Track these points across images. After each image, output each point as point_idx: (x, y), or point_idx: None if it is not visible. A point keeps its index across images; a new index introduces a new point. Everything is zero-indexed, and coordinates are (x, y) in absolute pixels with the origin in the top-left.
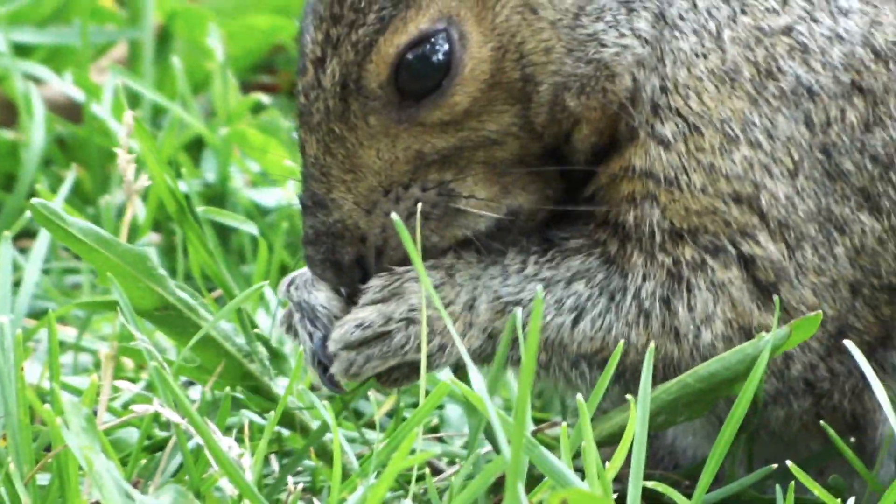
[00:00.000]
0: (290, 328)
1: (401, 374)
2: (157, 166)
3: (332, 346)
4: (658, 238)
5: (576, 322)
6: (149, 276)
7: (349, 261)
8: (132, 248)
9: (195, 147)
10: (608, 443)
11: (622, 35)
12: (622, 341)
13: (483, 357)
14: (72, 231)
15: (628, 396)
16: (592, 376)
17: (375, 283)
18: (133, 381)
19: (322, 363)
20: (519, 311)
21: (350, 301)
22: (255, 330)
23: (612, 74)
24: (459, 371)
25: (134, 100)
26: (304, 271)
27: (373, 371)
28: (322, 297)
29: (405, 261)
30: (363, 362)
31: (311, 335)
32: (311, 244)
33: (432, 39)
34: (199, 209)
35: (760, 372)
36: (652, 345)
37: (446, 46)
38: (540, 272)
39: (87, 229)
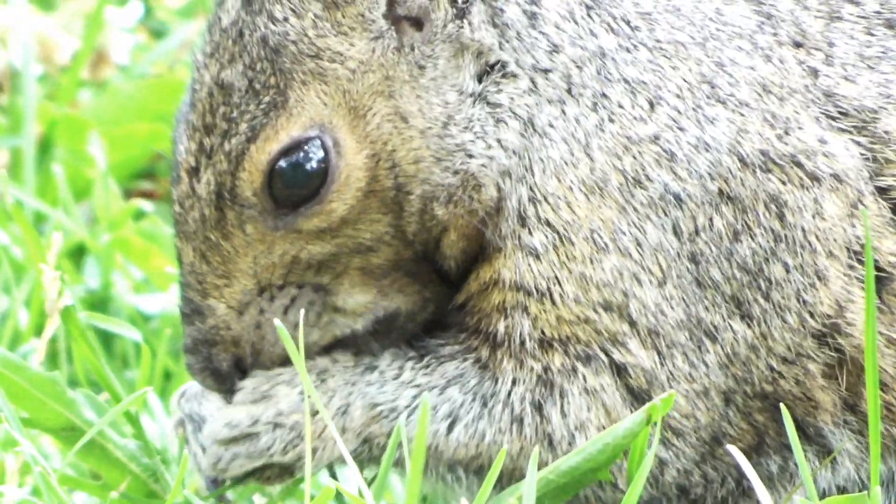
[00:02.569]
0: (185, 438)
1: (272, 474)
2: (38, 272)
3: (202, 440)
4: (528, 346)
5: (450, 429)
6: (58, 400)
7: (227, 367)
8: (41, 372)
9: (77, 254)
10: None
11: (489, 146)
12: (502, 448)
13: (358, 461)
14: None
15: (510, 499)
16: (469, 481)
17: (248, 383)
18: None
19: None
20: (403, 418)
21: None
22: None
23: (478, 185)
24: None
25: (15, 207)
26: (194, 382)
27: (240, 469)
28: (212, 407)
29: (282, 358)
30: (230, 459)
31: (201, 445)
32: (190, 353)
33: (305, 146)
34: (82, 315)
35: (641, 480)
36: (536, 449)
37: (321, 154)
38: (415, 379)
39: None
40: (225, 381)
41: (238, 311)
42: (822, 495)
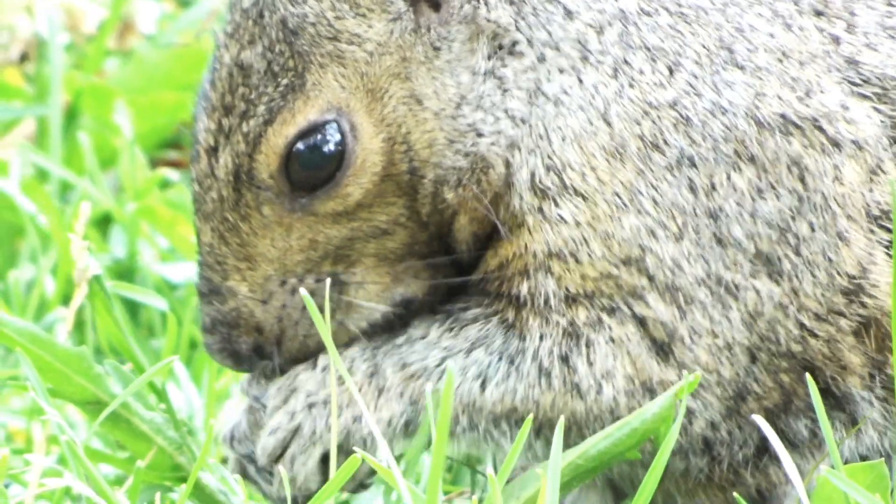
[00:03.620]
0: (247, 476)
1: (338, 462)
2: (64, 242)
3: (260, 462)
4: (553, 303)
5: (483, 387)
6: (84, 375)
7: (246, 349)
8: (69, 347)
9: (104, 223)
10: None
11: (497, 119)
12: (535, 401)
13: (406, 424)
14: (7, 331)
15: (538, 470)
16: (513, 433)
17: (272, 390)
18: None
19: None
20: (434, 379)
21: None
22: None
23: (486, 166)
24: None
25: (42, 176)
26: (237, 421)
27: (305, 467)
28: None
29: (303, 350)
30: (290, 464)
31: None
32: (208, 332)
33: (322, 130)
34: (108, 284)
35: (668, 448)
36: (561, 419)
37: (337, 137)
38: (441, 340)
39: (22, 329)
40: (243, 362)
41: (261, 300)
42: (845, 463)
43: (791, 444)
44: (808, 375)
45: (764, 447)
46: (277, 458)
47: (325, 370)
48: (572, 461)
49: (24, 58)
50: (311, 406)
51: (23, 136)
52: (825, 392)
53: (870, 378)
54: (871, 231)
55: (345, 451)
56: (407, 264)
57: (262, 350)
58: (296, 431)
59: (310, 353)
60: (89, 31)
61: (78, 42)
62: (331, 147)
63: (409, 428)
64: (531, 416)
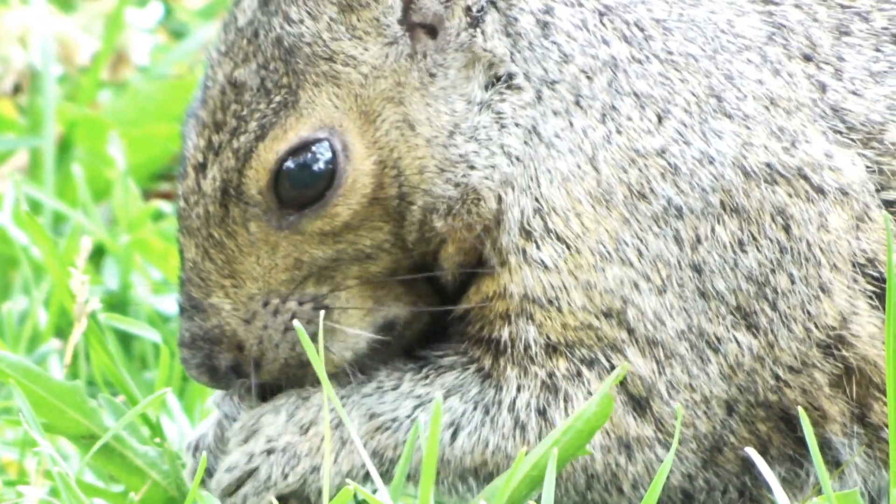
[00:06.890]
0: (202, 486)
1: None
2: (58, 273)
3: (214, 494)
4: (533, 351)
5: (454, 437)
6: (78, 410)
7: (225, 366)
8: (62, 381)
9: (97, 254)
10: None
11: (492, 154)
12: (506, 454)
13: (366, 476)
14: (0, 366)
15: None
16: (480, 488)
17: (236, 426)
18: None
19: None
20: (422, 418)
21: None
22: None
23: (477, 198)
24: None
25: (35, 207)
26: (204, 432)
27: None
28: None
29: (284, 372)
30: (243, 501)
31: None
32: (187, 347)
33: (313, 147)
34: (101, 316)
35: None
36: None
37: (328, 155)
38: (415, 389)
39: (15, 363)
40: (220, 379)
41: (244, 319)
42: None
43: (768, 489)
44: (801, 412)
45: (743, 489)
46: (231, 493)
47: (289, 417)
48: (527, 473)
49: (17, 89)
50: (269, 452)
51: (16, 167)
52: (803, 438)
53: (850, 426)
54: (855, 280)
55: (298, 496)
56: (389, 286)
57: (240, 368)
58: (252, 473)
59: (290, 377)
60: (83, 62)
61: (71, 73)
62: (321, 165)
63: (367, 475)
64: (500, 466)
